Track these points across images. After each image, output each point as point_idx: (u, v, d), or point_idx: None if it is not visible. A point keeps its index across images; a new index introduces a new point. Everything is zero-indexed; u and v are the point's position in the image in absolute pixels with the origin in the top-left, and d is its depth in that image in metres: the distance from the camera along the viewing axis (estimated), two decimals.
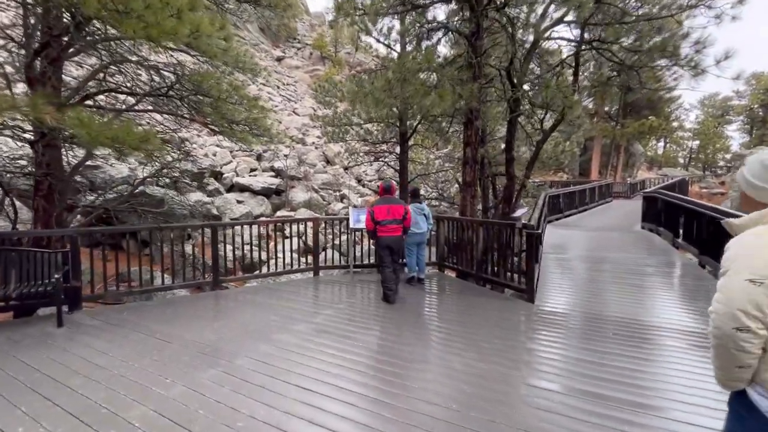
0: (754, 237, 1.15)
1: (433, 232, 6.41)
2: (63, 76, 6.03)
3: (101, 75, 6.69)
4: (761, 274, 1.07)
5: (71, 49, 5.95)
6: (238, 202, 13.81)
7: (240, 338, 3.74)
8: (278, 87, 36.55)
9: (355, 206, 17.82)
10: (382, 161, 12.06)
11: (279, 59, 44.72)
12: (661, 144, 50.21)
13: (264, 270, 7.99)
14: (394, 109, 10.40)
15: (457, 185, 15.48)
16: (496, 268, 5.53)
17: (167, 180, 13.23)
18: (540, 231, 6.25)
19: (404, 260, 5.88)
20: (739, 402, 1.18)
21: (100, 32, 6.29)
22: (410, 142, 11.64)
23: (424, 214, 5.71)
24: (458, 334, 3.92)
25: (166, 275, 6.15)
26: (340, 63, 42.32)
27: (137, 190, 10.94)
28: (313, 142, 24.79)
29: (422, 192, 16.10)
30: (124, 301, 5.93)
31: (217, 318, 4.36)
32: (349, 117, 10.31)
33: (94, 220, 7.89)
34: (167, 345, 3.60)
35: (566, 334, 3.92)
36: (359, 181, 21.78)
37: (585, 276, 6.19)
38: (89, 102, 6.35)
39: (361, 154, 12.09)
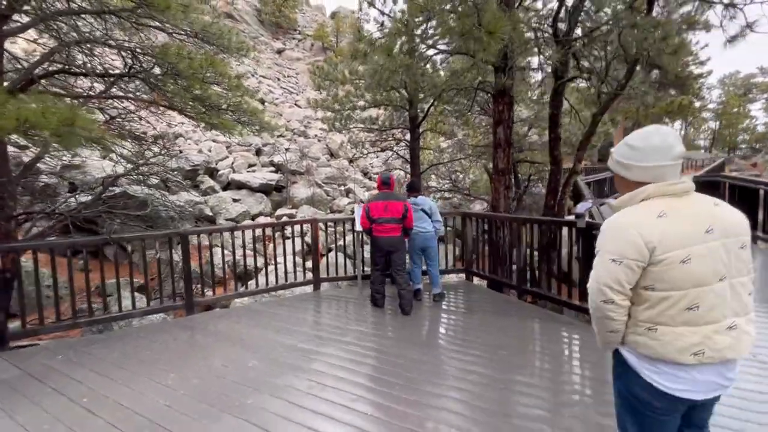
0: (620, 218, 1.25)
1: (449, 227, 5.13)
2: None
3: (60, 56, 5.53)
4: (620, 254, 1.19)
5: (13, 25, 4.81)
6: (234, 200, 12.68)
7: (198, 406, 2.55)
8: (278, 79, 35.32)
9: (361, 202, 16.60)
10: (391, 151, 10.81)
11: (279, 51, 43.46)
12: (678, 125, 47.94)
13: (260, 280, 6.78)
14: (402, 91, 9.10)
15: (471, 176, 14.14)
16: (544, 281, 4.28)
17: (155, 179, 12.09)
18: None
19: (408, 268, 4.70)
20: (617, 359, 1.35)
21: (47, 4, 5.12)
22: (421, 128, 10.33)
23: (424, 210, 4.48)
24: (527, 390, 2.67)
25: (138, 294, 5.02)
26: (342, 53, 40.88)
27: (117, 191, 9.83)
28: (316, 135, 23.55)
29: (433, 183, 14.71)
30: (81, 332, 4.81)
31: (175, 365, 3.18)
32: (351, 99, 8.99)
33: (72, 227, 6.78)
34: (90, 420, 2.43)
35: None
36: (365, 174, 20.53)
37: None
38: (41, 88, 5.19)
39: (367, 144, 10.83)
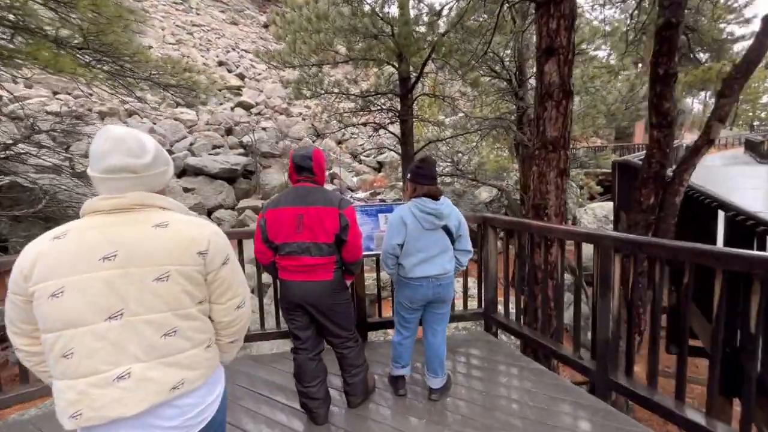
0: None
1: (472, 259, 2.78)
2: None
3: None
4: (10, 284, 0.98)
5: None
6: (186, 190, 10.28)
7: None
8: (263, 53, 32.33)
9: (359, 201, 14.11)
10: (375, 124, 8.35)
11: (266, 26, 40.46)
12: (696, 100, 44.85)
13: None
14: (388, 40, 6.57)
15: (477, 156, 11.62)
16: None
17: (50, 162, 9.57)
18: None
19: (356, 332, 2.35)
20: None
21: None
22: (415, 93, 7.81)
23: (447, 229, 2.16)
24: None
25: None
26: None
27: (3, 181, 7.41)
28: (300, 113, 20.93)
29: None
30: None
31: None
32: (319, 47, 6.38)
33: None
34: None
35: None
36: (355, 156, 18.04)
37: None
38: None
39: (349, 116, 8.37)
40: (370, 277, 5.57)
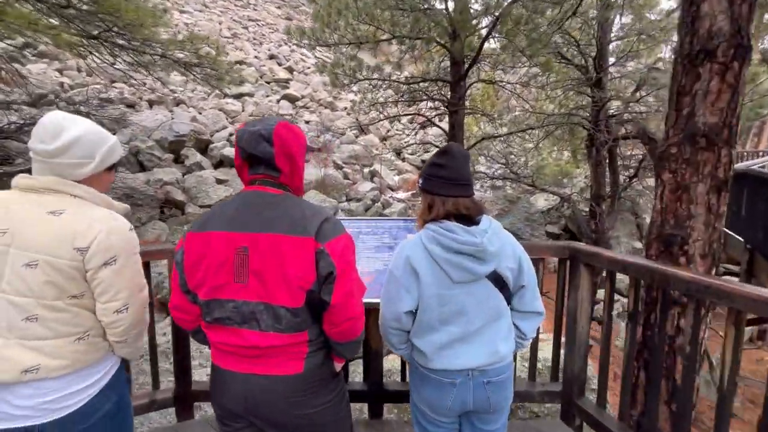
0: None
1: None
2: None
3: None
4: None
5: None
6: (219, 181, 9.88)
7: None
8: (315, 47, 32.39)
9: (398, 200, 13.23)
10: (421, 116, 7.27)
11: None
12: None
13: None
14: (441, 6, 5.46)
15: (538, 157, 10.09)
16: None
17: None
18: None
19: None
20: None
21: None
22: (469, 79, 6.62)
23: (499, 276, 1.08)
24: None
25: None
26: None
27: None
28: (345, 107, 20.32)
29: (482, 168, 10.70)
30: None
31: None
32: (356, 27, 5.41)
33: None
34: None
35: None
36: (398, 153, 17.05)
37: None
38: None
39: (391, 107, 7.37)
40: None
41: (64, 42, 3.07)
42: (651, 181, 7.94)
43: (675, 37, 6.95)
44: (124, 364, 1.30)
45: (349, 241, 1.07)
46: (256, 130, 1.07)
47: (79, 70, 15.14)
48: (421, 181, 1.19)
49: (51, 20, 3.78)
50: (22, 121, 7.78)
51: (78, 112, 6.89)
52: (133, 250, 1.10)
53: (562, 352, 2.19)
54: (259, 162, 1.08)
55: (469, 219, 1.13)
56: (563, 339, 2.18)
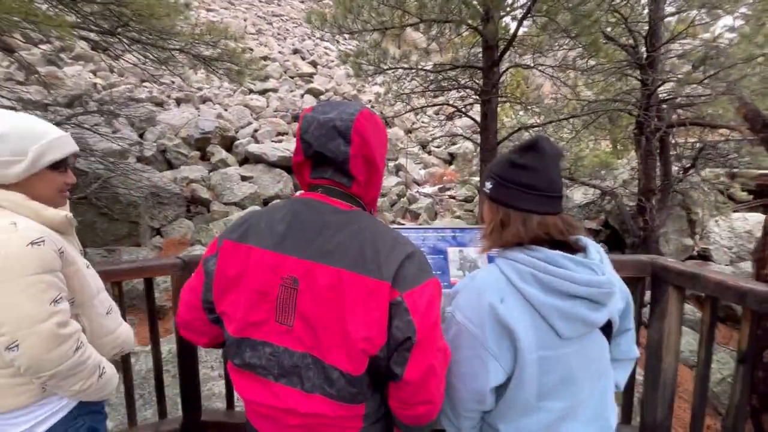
0: None
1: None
2: None
3: None
4: None
5: None
6: (244, 178, 9.82)
7: None
8: (338, 41, 32.23)
9: (425, 196, 12.78)
10: (450, 105, 6.81)
11: None
12: None
13: None
14: None
15: (577, 147, 9.36)
16: None
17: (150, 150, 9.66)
18: None
19: None
20: None
21: None
22: (504, 65, 6.11)
23: (607, 329, 0.82)
24: None
25: None
26: None
27: None
28: (370, 100, 19.99)
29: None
30: None
31: None
32: (374, 9, 4.99)
33: None
34: None
35: None
36: (424, 146, 16.58)
37: None
38: None
39: (414, 93, 6.94)
40: None
41: (68, 33, 2.90)
42: (709, 173, 7.15)
43: (743, 9, 6.12)
44: (98, 403, 1.12)
45: (436, 290, 0.75)
46: (329, 120, 0.77)
47: (111, 70, 15.57)
48: (489, 185, 0.82)
49: (67, 17, 3.64)
50: (57, 122, 7.97)
51: (109, 112, 6.93)
52: (21, 270, 0.87)
53: (636, 391, 1.79)
54: (328, 163, 0.80)
55: (571, 246, 0.79)
56: (638, 377, 1.77)
